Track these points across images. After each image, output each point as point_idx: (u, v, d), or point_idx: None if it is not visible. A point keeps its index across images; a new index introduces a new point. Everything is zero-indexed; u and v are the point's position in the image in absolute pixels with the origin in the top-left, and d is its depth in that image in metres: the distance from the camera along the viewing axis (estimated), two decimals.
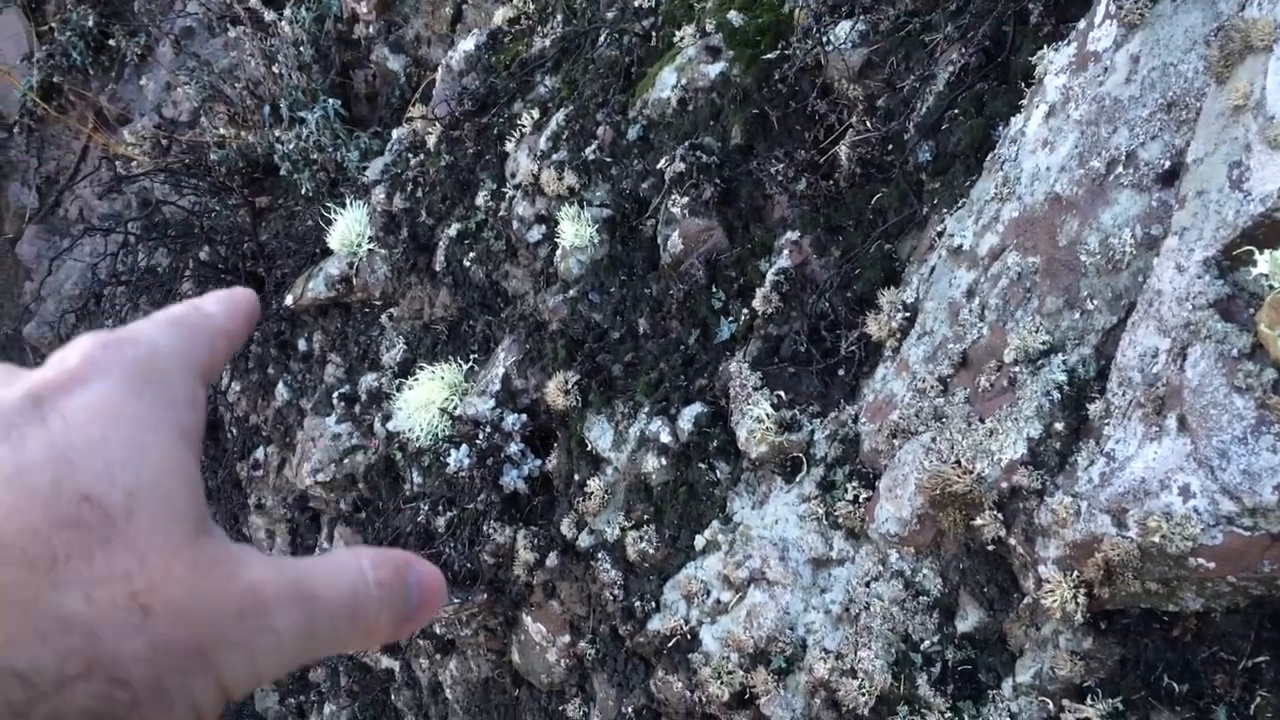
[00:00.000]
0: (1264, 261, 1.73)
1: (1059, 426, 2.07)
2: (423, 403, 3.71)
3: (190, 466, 0.48)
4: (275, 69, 6.93)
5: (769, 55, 3.45)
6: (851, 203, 3.08)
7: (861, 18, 3.29)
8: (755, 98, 3.43)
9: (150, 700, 0.41)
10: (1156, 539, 1.82)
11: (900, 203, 2.94)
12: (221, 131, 6.87)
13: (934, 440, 2.31)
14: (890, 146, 3.03)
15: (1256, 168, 1.77)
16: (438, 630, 3.70)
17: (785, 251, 3.11)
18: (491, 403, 3.48)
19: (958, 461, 2.21)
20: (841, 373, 2.84)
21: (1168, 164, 2.04)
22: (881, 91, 3.16)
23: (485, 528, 3.35)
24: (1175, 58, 2.10)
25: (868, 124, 3.10)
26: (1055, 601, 2.00)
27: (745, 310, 3.11)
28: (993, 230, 2.42)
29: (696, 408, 2.95)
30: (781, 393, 2.80)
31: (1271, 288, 1.73)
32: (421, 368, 3.90)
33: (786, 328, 2.99)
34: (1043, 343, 2.17)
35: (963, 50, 2.90)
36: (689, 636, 2.75)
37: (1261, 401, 1.72)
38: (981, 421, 2.22)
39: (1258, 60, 1.82)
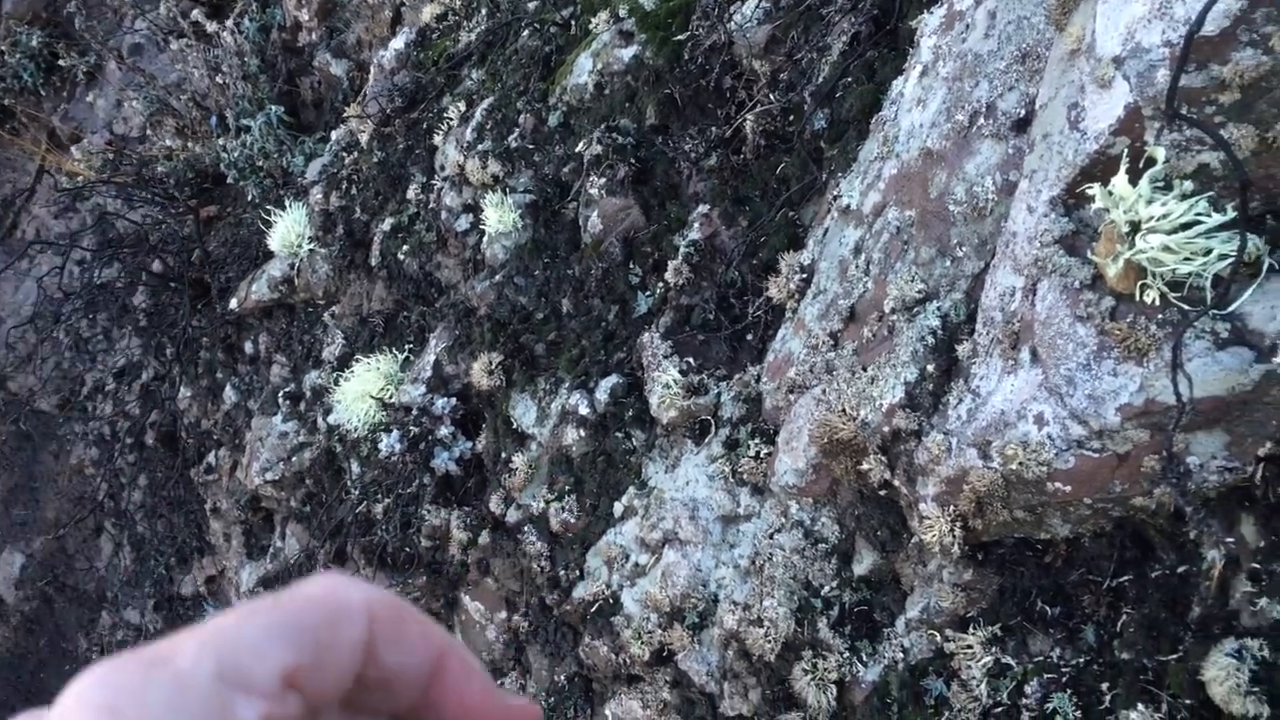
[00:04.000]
0: (1099, 196, 1.81)
1: (931, 369, 2.15)
2: (359, 394, 3.78)
3: None
4: (220, 80, 6.99)
5: (679, 37, 3.53)
6: (758, 174, 3.16)
7: None
8: (667, 78, 3.50)
9: None
10: (1015, 466, 1.90)
11: (801, 170, 3.02)
12: (169, 144, 6.92)
13: (823, 392, 2.39)
14: (791, 117, 3.12)
15: (1090, 107, 1.85)
16: None
17: (696, 224, 3.19)
18: (423, 389, 3.55)
19: (844, 410, 2.29)
20: (749, 337, 2.92)
21: (1022, 112, 2.13)
22: (784, 65, 3.25)
23: (420, 511, 3.42)
24: (1028, 10, 2.19)
25: (770, 97, 3.19)
26: (934, 536, 2.08)
27: (660, 284, 3.19)
28: (875, 188, 2.50)
29: (613, 379, 3.03)
30: (690, 359, 2.88)
31: (1106, 220, 1.82)
32: (358, 360, 3.96)
33: (697, 297, 3.07)
34: (918, 291, 2.25)
35: (854, 19, 2.99)
36: (611, 601, 2.82)
37: (1101, 328, 1.80)
38: (864, 370, 2.30)
39: (1088, 5, 1.90)
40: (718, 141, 3.35)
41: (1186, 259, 1.72)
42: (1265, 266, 1.73)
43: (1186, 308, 1.75)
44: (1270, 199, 1.77)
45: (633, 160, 3.44)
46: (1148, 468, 1.81)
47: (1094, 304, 1.81)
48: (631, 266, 3.34)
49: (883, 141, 2.51)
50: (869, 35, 2.94)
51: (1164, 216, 1.71)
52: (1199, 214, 1.71)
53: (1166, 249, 1.70)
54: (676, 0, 3.64)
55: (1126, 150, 1.77)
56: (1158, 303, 1.76)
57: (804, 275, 2.71)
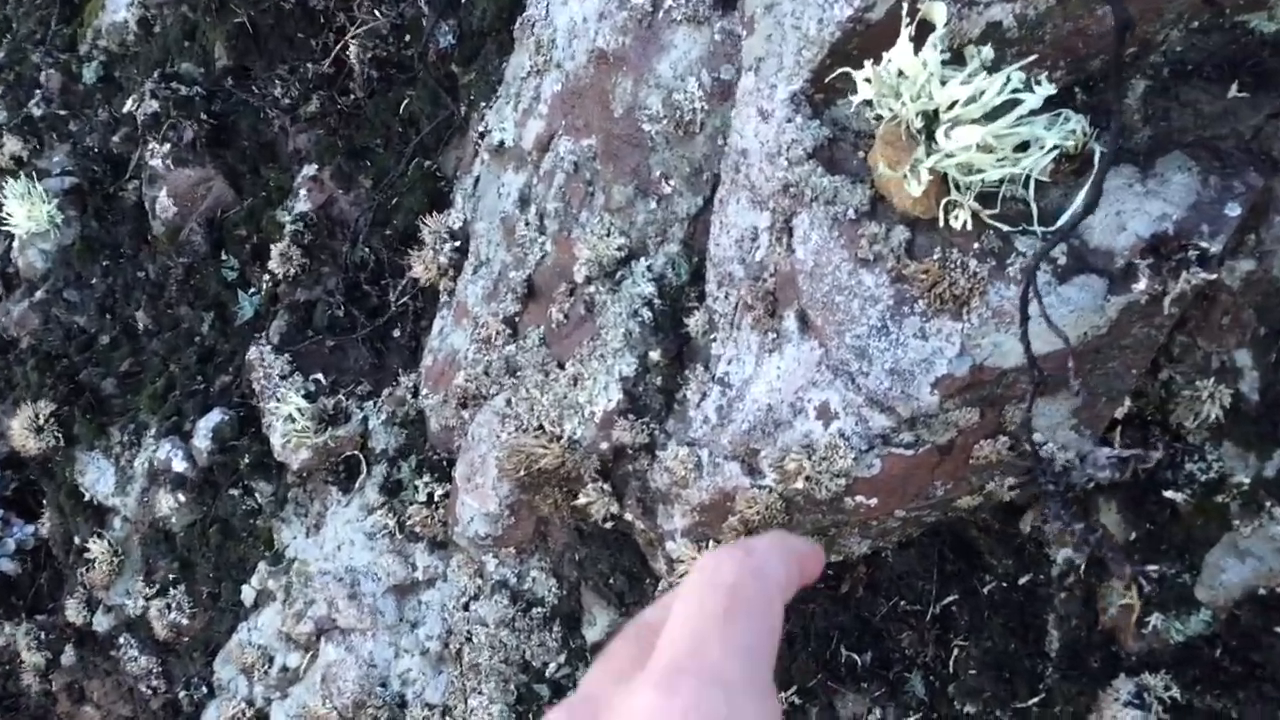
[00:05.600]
0: (864, 83, 1.25)
1: (656, 355, 1.54)
2: None
3: None
4: None
5: None
6: (375, 116, 2.42)
7: None
8: (236, 4, 2.65)
9: None
10: (800, 484, 1.33)
11: (432, 105, 2.31)
12: None
13: (509, 403, 1.72)
14: (408, 37, 2.38)
15: None
16: None
17: (303, 192, 2.40)
18: None
19: (541, 427, 1.63)
20: (396, 334, 2.19)
21: None
22: None
23: None
24: None
25: (377, 13, 2.43)
26: None
27: (266, 277, 2.38)
28: (536, 115, 1.84)
29: (216, 416, 2.20)
30: (320, 375, 2.11)
31: (880, 117, 1.26)
32: None
33: (318, 289, 2.30)
34: (619, 248, 1.62)
35: None
36: None
37: (896, 273, 1.25)
38: (561, 367, 1.65)
39: None
40: (317, 80, 2.56)
41: (1002, 160, 1.20)
42: (1097, 157, 1.24)
43: (1005, 228, 1.24)
44: (1078, 65, 1.28)
45: (204, 116, 2.59)
46: (980, 458, 1.29)
47: (881, 239, 1.26)
48: (224, 257, 2.50)
49: (536, 50, 1.85)
50: None
51: (973, 99, 1.16)
52: (1015, 91, 1.18)
53: (984, 147, 1.16)
54: None
55: (905, 8, 1.21)
56: (969, 227, 1.23)
57: (456, 243, 2.01)
